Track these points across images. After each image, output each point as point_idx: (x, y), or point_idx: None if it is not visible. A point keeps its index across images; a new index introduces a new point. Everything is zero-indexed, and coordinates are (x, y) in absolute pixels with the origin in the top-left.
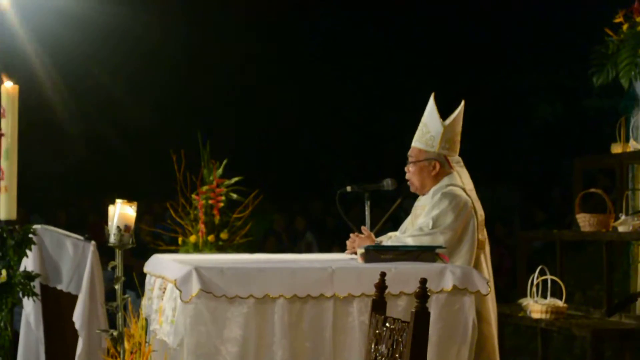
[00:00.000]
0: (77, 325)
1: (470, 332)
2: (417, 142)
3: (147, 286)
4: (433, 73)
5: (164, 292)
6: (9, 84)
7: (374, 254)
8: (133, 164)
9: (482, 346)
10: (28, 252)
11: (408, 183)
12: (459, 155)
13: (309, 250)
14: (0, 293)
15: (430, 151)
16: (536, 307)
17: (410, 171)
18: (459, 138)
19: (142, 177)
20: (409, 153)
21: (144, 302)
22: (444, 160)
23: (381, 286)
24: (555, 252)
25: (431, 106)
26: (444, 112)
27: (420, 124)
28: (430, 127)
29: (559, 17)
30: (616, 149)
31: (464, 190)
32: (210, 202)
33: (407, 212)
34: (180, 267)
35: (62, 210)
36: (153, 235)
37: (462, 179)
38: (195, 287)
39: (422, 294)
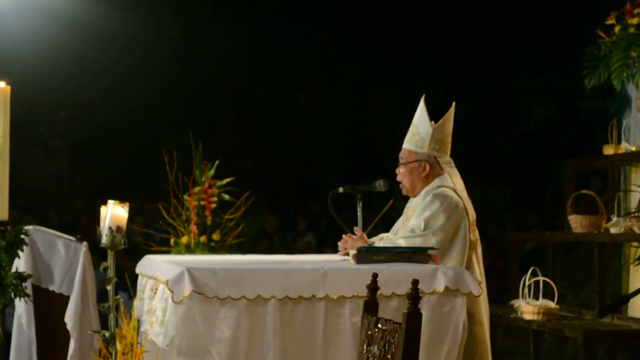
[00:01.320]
0: (69, 326)
1: (460, 333)
2: (407, 144)
3: (139, 287)
4: (427, 74)
5: (155, 293)
6: (1, 85)
7: (366, 255)
8: (125, 165)
9: (475, 348)
10: (20, 252)
11: (400, 185)
12: (451, 156)
13: (308, 249)
14: None
15: (419, 152)
16: (528, 308)
17: (401, 173)
18: (449, 139)
19: (134, 178)
20: (400, 155)
21: (136, 303)
22: (434, 162)
23: (373, 287)
24: (547, 253)
25: (421, 107)
26: (437, 114)
27: (411, 126)
28: (420, 129)
29: (552, 18)
30: (608, 150)
31: (455, 191)
32: (202, 203)
33: (399, 213)
34: (172, 268)
35: (54, 211)
36: (145, 236)
37: (452, 180)
38: (187, 288)
39: (414, 295)
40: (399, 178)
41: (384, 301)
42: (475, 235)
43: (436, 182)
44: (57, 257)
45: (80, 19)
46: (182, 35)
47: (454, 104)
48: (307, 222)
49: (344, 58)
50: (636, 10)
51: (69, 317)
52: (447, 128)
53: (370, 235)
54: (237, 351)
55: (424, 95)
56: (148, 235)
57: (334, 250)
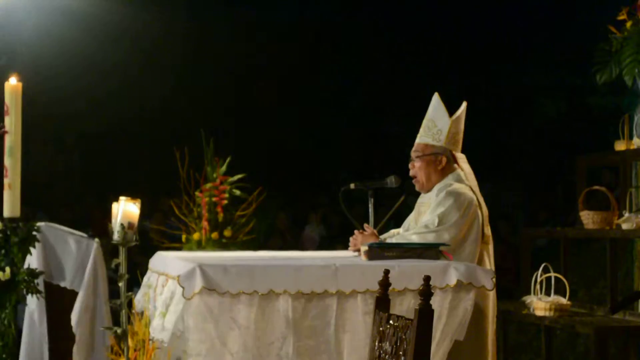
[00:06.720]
0: (73, 322)
1: (466, 328)
2: (422, 138)
3: (145, 281)
4: (436, 70)
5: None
6: (13, 81)
7: (378, 251)
8: (136, 162)
9: (482, 343)
10: (32, 249)
11: (413, 181)
12: (462, 152)
13: (318, 245)
14: (4, 290)
15: (436, 145)
16: (540, 304)
17: (416, 166)
18: (461, 136)
19: (146, 174)
20: (414, 149)
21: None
22: (450, 156)
23: (385, 283)
24: (559, 249)
25: (437, 101)
26: (449, 110)
27: (425, 121)
28: (437, 122)
29: (562, 14)
30: (619, 146)
31: (470, 187)
32: (213, 199)
33: (410, 209)
34: (183, 264)
35: (65, 208)
36: (158, 232)
37: (466, 176)
38: (198, 284)
39: (426, 292)
40: (412, 172)
41: (396, 297)
42: (488, 230)
43: (449, 178)
44: (68, 254)
45: (91, 15)
46: (193, 31)
47: (465, 103)
48: (318, 218)
49: (353, 54)
50: None
51: (74, 314)
52: (461, 124)
53: (381, 232)
54: (249, 347)
55: (436, 93)
56: (160, 231)
57: (345, 246)
